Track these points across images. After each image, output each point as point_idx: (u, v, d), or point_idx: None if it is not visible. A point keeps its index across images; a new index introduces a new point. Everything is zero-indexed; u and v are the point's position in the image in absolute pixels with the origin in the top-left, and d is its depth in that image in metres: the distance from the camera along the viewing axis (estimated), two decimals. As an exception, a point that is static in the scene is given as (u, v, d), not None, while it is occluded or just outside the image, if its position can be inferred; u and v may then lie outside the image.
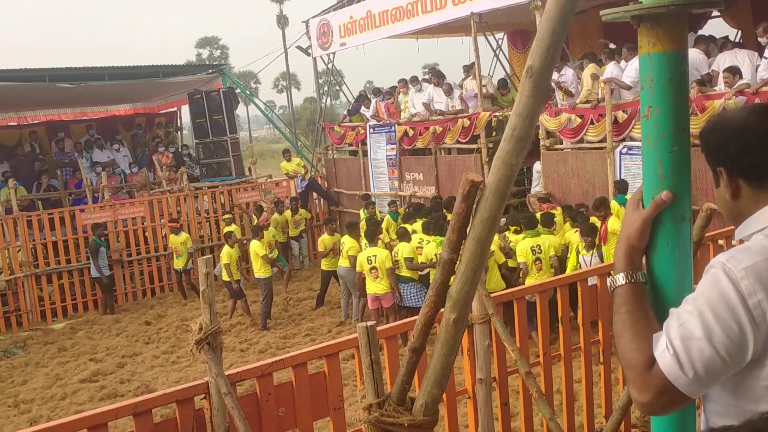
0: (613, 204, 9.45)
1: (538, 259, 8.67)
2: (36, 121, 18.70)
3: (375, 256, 9.48)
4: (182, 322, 11.88)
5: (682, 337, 1.40)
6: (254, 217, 14.35)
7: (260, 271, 11.32)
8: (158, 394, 3.11)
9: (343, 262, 10.67)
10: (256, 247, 11.31)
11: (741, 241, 1.56)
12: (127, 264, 14.02)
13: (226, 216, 13.84)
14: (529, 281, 8.30)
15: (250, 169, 16.64)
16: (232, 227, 13.49)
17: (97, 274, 12.96)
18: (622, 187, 9.68)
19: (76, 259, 13.51)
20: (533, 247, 8.70)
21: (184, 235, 13.44)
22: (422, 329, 2.08)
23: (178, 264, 13.40)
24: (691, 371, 1.39)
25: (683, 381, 1.40)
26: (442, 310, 1.98)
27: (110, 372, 9.87)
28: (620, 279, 1.58)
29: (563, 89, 11.26)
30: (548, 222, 9.18)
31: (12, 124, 18.63)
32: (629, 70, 10.21)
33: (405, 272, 9.51)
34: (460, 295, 1.92)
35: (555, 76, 10.81)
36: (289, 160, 16.60)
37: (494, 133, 12.67)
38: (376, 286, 9.51)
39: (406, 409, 2.20)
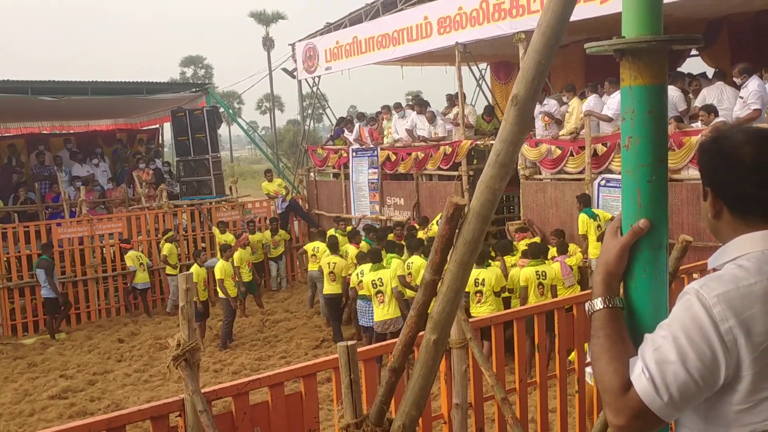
0: (582, 217, 10.03)
1: (541, 284, 8.87)
2: (16, 133, 18.53)
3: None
4: (156, 341, 11.75)
5: (658, 361, 1.44)
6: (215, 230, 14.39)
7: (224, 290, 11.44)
8: (133, 410, 3.08)
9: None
10: (223, 267, 11.42)
11: (714, 270, 1.61)
12: (102, 280, 13.86)
13: (169, 234, 13.87)
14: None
15: (231, 189, 16.60)
16: (228, 237, 13.77)
17: (50, 294, 12.53)
18: (585, 201, 10.25)
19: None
20: (538, 272, 8.91)
21: (133, 253, 13.55)
22: (402, 350, 2.09)
23: (145, 278, 13.44)
24: (666, 395, 1.43)
25: (658, 404, 1.43)
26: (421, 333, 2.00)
27: (80, 389, 9.72)
28: (598, 303, 1.62)
29: (550, 119, 11.40)
30: (542, 251, 9.35)
31: (-9, 135, 18.47)
32: (611, 102, 10.39)
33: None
34: (441, 316, 1.95)
35: (537, 108, 10.97)
36: (270, 181, 16.58)
37: (475, 161, 12.79)
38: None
39: (384, 430, 2.21)
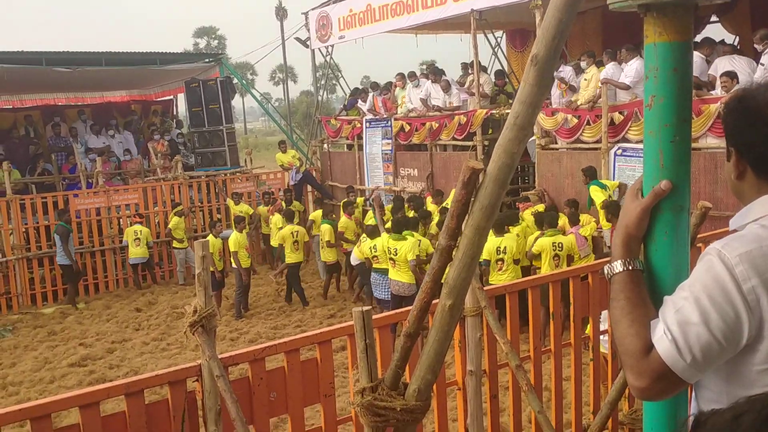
0: (593, 188, 9.96)
1: (557, 255, 8.86)
2: (32, 105, 18.59)
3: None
4: (173, 310, 11.89)
5: (680, 323, 1.43)
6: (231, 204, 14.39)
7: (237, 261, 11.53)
8: (151, 374, 3.11)
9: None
10: (237, 239, 11.49)
11: (736, 231, 1.58)
12: (119, 251, 13.98)
13: (178, 208, 13.93)
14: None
15: (246, 160, 16.60)
16: (243, 207, 13.89)
17: (65, 260, 12.68)
18: (591, 173, 10.23)
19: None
20: (555, 243, 8.88)
21: (132, 227, 13.55)
22: (418, 315, 2.09)
23: (137, 253, 13.41)
24: (689, 356, 1.41)
25: (681, 366, 1.42)
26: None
27: (99, 357, 9.86)
28: (618, 266, 1.59)
29: (565, 86, 11.27)
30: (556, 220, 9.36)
31: (7, 106, 18.52)
32: (629, 70, 10.24)
33: (386, 265, 9.54)
34: (456, 281, 1.94)
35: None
36: (284, 152, 16.55)
37: (490, 131, 12.69)
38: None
39: (399, 394, 2.21)
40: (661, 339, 1.44)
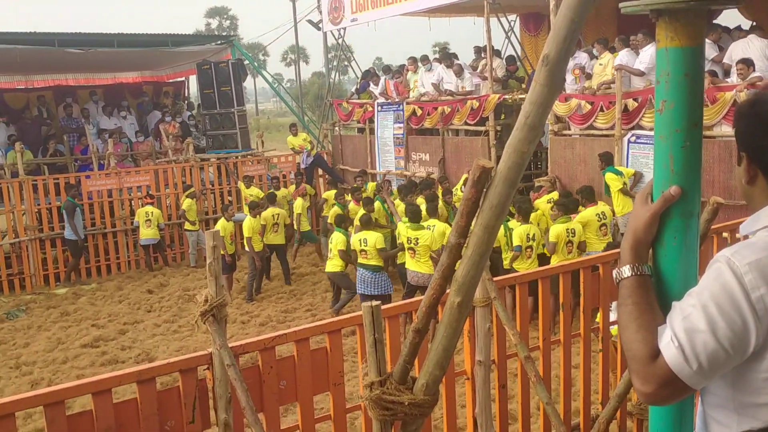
0: (609, 175, 9.90)
1: (570, 242, 8.81)
2: (44, 86, 18.64)
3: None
4: (184, 292, 11.97)
5: (687, 330, 1.43)
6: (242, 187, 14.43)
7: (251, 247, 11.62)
8: (162, 363, 3.15)
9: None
10: (251, 224, 11.53)
11: (746, 237, 1.58)
12: (131, 232, 14.06)
13: (190, 190, 13.97)
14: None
15: (258, 143, 16.60)
16: (253, 191, 13.99)
17: (71, 235, 12.81)
18: (608, 159, 10.13)
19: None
20: (568, 229, 8.82)
21: (144, 209, 13.59)
22: (426, 311, 2.10)
23: (148, 234, 13.46)
24: (695, 363, 1.42)
25: (687, 372, 1.43)
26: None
27: (112, 338, 9.95)
28: (626, 271, 1.60)
29: (580, 72, 11.18)
30: (572, 207, 9.26)
31: (20, 87, 18.59)
32: (643, 56, 10.15)
33: (374, 261, 9.29)
34: (465, 279, 1.94)
35: (570, 64, 10.75)
36: (295, 135, 16.51)
37: (503, 116, 12.64)
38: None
39: (407, 388, 2.23)
40: (668, 345, 1.45)
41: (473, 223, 1.91)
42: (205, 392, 3.27)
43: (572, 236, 8.82)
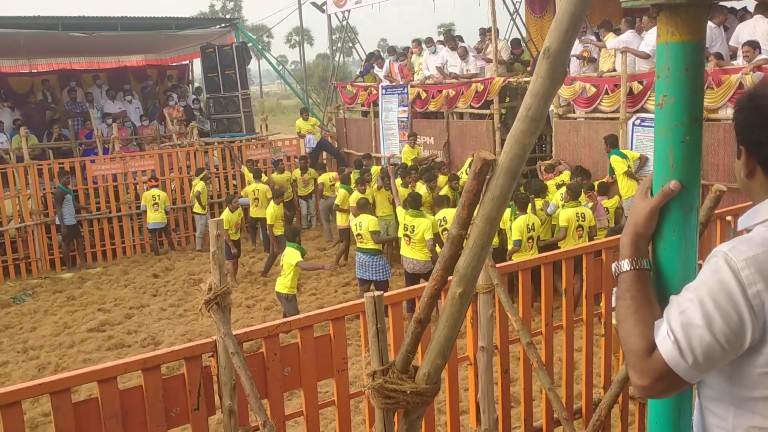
0: (614, 158, 9.86)
1: (580, 226, 8.77)
2: (48, 70, 18.62)
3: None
4: (190, 276, 12.01)
5: (683, 325, 1.44)
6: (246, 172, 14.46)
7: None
8: (167, 350, 3.18)
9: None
10: (274, 212, 11.72)
11: (746, 230, 1.58)
12: (136, 216, 14.10)
13: (203, 173, 13.98)
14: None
15: (261, 126, 16.56)
16: (286, 175, 14.41)
17: (60, 222, 12.90)
18: (613, 142, 10.11)
19: (86, 210, 13.61)
20: (578, 213, 8.78)
21: (150, 192, 13.63)
22: (428, 301, 2.12)
23: (156, 218, 13.52)
24: (690, 358, 1.43)
25: (683, 367, 1.44)
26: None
27: (117, 322, 10.02)
28: (625, 265, 1.60)
29: (588, 54, 11.12)
30: (579, 192, 9.12)
31: (24, 71, 18.58)
32: (649, 38, 10.09)
33: (371, 244, 9.29)
34: (466, 270, 1.96)
35: (577, 45, 10.69)
36: (306, 120, 16.46)
37: (507, 99, 12.60)
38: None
39: (409, 377, 2.25)
40: (664, 340, 1.46)
41: (474, 214, 1.92)
42: (210, 379, 3.30)
43: (582, 221, 8.77)
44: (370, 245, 9.29)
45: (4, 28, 14.64)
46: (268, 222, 11.74)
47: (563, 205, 9.07)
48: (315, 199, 15.28)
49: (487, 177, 1.86)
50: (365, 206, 9.81)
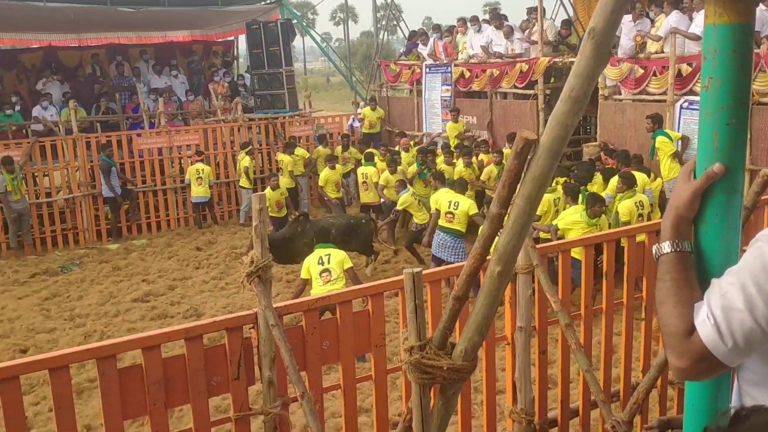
0: (660, 138, 9.64)
1: (640, 215, 8.36)
2: (97, 44, 18.89)
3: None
4: (232, 250, 12.19)
5: (724, 308, 1.43)
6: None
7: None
8: (209, 321, 3.26)
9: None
10: (326, 175, 12.59)
11: None
12: (180, 190, 14.33)
13: (248, 147, 14.14)
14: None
15: (306, 103, 16.62)
16: (299, 151, 14.36)
17: (108, 193, 13.14)
18: (658, 120, 9.90)
19: (132, 182, 13.88)
20: (637, 203, 8.41)
21: (194, 166, 13.84)
22: (466, 279, 2.14)
23: (199, 192, 13.73)
24: (730, 341, 1.42)
25: (722, 350, 1.43)
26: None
27: (161, 293, 10.23)
28: (666, 247, 1.60)
29: (642, 38, 10.89)
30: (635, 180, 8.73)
31: (73, 45, 18.90)
32: (699, 19, 9.83)
33: (459, 226, 9.05)
34: (506, 249, 1.97)
35: (631, 27, 10.56)
36: (373, 109, 16.15)
37: (552, 80, 12.43)
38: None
39: (446, 354, 2.28)
40: (704, 323, 1.46)
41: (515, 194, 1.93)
42: (250, 350, 3.37)
43: (642, 209, 8.37)
44: (458, 226, 9.04)
45: (54, 2, 14.91)
46: (320, 184, 12.61)
47: (619, 197, 8.54)
48: (354, 178, 15.23)
49: (528, 157, 1.86)
50: (464, 186, 9.70)
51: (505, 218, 2.00)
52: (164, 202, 14.24)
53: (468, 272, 2.10)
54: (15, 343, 8.52)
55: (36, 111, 14.77)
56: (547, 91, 12.28)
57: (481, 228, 2.05)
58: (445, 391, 2.32)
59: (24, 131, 14.60)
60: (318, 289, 7.55)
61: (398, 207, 10.72)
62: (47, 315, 9.54)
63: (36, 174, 13.44)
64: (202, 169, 13.70)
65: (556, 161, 1.81)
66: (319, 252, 7.89)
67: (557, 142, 1.79)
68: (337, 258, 7.84)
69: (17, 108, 15.00)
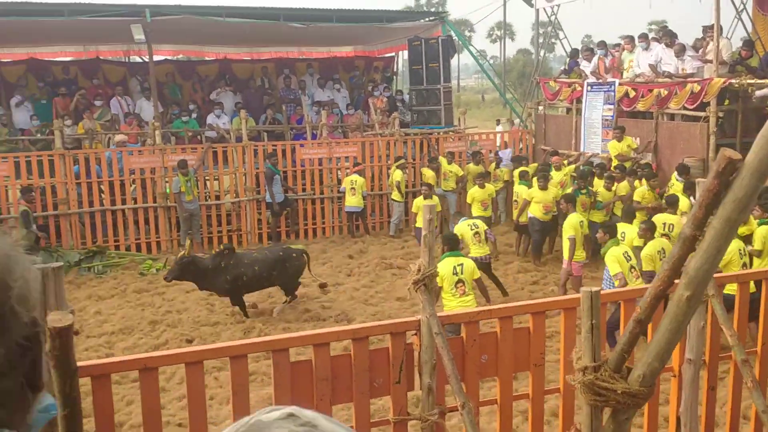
0: None
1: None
2: (267, 57, 20.02)
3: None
4: (381, 260, 12.44)
5: None
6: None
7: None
8: (375, 323, 3.37)
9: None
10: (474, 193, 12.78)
11: None
12: (337, 200, 14.83)
13: (400, 162, 14.34)
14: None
15: (460, 119, 16.73)
16: (453, 167, 14.55)
17: (268, 199, 13.81)
18: None
19: (293, 190, 14.52)
20: None
21: (350, 177, 14.27)
22: (651, 302, 2.07)
23: (352, 202, 14.14)
24: None
25: None
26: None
27: (315, 297, 10.61)
28: None
29: None
30: None
31: (246, 58, 20.12)
32: None
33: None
34: (698, 273, 1.89)
35: None
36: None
37: (726, 102, 11.72)
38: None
39: (622, 377, 2.22)
40: None
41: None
42: (411, 356, 3.43)
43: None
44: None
45: (232, 17, 15.97)
46: (467, 201, 12.81)
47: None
48: (504, 195, 15.01)
49: (731, 177, 1.78)
50: (632, 216, 9.68)
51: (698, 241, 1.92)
52: (321, 211, 14.79)
53: (654, 295, 2.04)
54: (182, 333, 9.16)
55: (210, 119, 15.87)
56: (720, 114, 11.58)
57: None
58: (617, 416, 2.26)
59: (198, 137, 15.69)
60: (452, 301, 7.49)
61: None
62: (211, 309, 10.17)
63: (207, 177, 14.38)
64: (356, 180, 14.14)
65: (763, 182, 1.72)
66: (451, 261, 7.75)
67: (765, 163, 1.70)
68: (469, 268, 7.80)
69: (194, 115, 16.15)
